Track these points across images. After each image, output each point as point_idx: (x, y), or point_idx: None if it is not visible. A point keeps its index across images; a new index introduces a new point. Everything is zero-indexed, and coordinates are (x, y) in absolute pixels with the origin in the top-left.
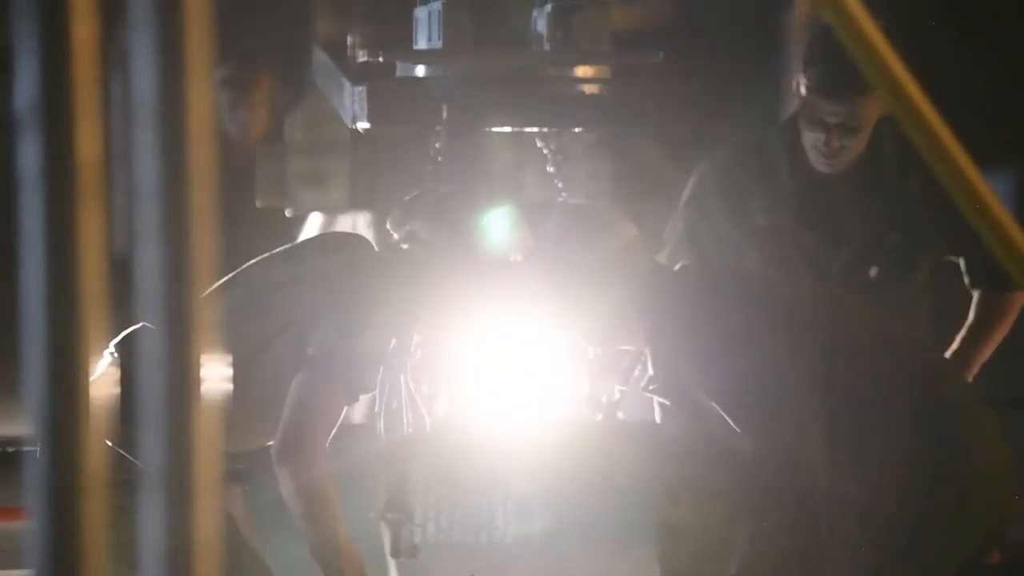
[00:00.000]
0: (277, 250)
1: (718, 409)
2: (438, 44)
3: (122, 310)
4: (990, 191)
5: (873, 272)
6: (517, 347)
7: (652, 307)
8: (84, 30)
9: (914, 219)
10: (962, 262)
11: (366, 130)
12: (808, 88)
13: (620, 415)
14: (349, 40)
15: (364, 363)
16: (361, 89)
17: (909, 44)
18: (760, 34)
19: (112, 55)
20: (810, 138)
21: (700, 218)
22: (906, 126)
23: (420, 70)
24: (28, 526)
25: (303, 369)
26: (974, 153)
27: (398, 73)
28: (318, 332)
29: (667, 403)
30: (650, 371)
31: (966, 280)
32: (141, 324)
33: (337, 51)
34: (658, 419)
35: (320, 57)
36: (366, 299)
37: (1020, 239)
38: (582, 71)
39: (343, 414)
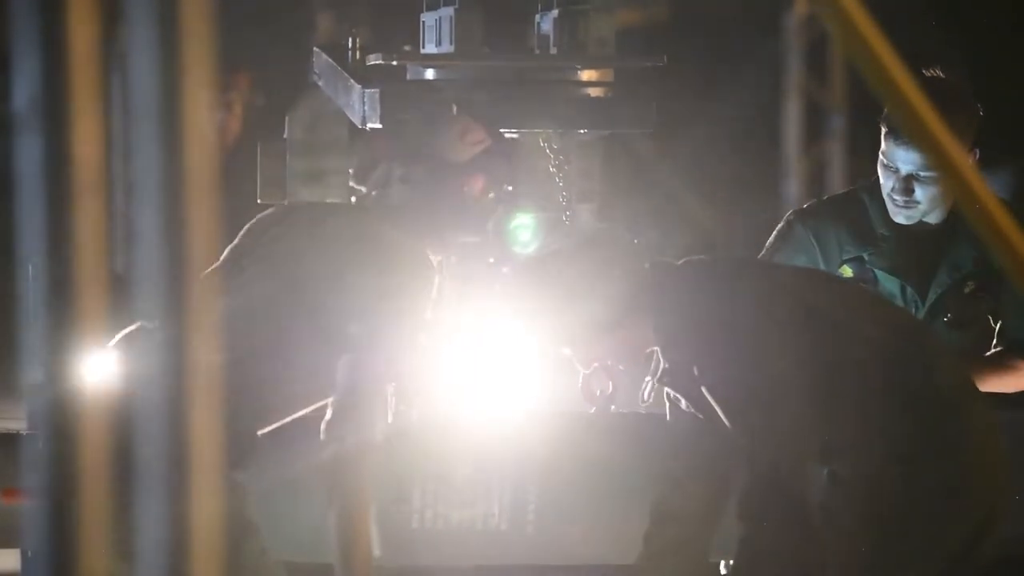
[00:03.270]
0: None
1: (717, 405)
2: (446, 48)
3: (122, 309)
4: (989, 190)
5: (947, 318)
6: (513, 338)
7: (658, 302)
8: (84, 30)
9: (987, 271)
10: (998, 325)
11: (376, 131)
12: (885, 135)
13: (612, 408)
14: (350, 43)
15: (403, 338)
16: (373, 91)
17: (907, 44)
18: (762, 36)
19: (112, 55)
20: (886, 186)
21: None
22: (906, 129)
23: (429, 73)
24: (27, 517)
25: (348, 350)
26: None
27: (407, 76)
28: (353, 311)
29: (680, 397)
30: (663, 365)
31: (995, 341)
32: (138, 325)
33: (337, 53)
34: (668, 416)
35: (322, 58)
36: (395, 275)
37: (1019, 240)
38: (588, 74)
39: (389, 391)
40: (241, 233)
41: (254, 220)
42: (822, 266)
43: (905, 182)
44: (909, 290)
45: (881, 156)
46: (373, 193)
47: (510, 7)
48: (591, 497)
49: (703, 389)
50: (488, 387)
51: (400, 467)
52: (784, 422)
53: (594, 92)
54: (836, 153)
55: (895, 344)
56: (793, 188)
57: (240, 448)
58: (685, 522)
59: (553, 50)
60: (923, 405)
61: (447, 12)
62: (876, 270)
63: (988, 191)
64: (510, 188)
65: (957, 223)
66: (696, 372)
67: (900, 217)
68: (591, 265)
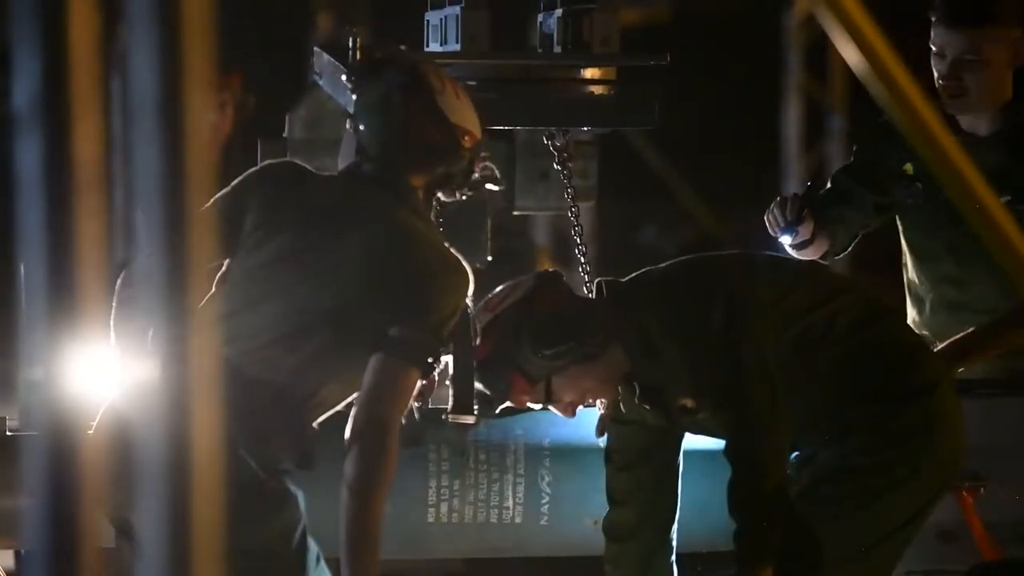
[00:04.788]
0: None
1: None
2: (452, 47)
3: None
4: (987, 189)
5: None
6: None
7: (623, 323)
8: (84, 30)
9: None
10: None
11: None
12: (935, 20)
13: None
14: (351, 43)
15: (438, 343)
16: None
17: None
18: (762, 36)
19: (112, 55)
20: (935, 74)
21: (847, 185)
22: (904, 125)
23: None
24: (26, 513)
25: (383, 350)
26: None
27: None
28: (391, 312)
29: (650, 408)
30: (637, 386)
31: None
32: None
33: (337, 52)
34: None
35: (323, 58)
36: (435, 281)
37: (1019, 240)
38: (592, 72)
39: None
40: (256, 180)
41: (271, 171)
42: (877, 179)
43: (953, 67)
44: (945, 199)
45: (931, 45)
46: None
47: (516, 6)
48: (604, 490)
49: (682, 396)
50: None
51: (415, 464)
52: (763, 412)
53: (598, 90)
54: (836, 153)
55: (848, 322)
56: (793, 188)
57: (303, 446)
58: (644, 536)
59: (557, 49)
60: (886, 374)
61: (453, 11)
62: (920, 182)
63: (988, 190)
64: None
65: (1003, 135)
66: (676, 378)
67: (952, 108)
68: (537, 313)
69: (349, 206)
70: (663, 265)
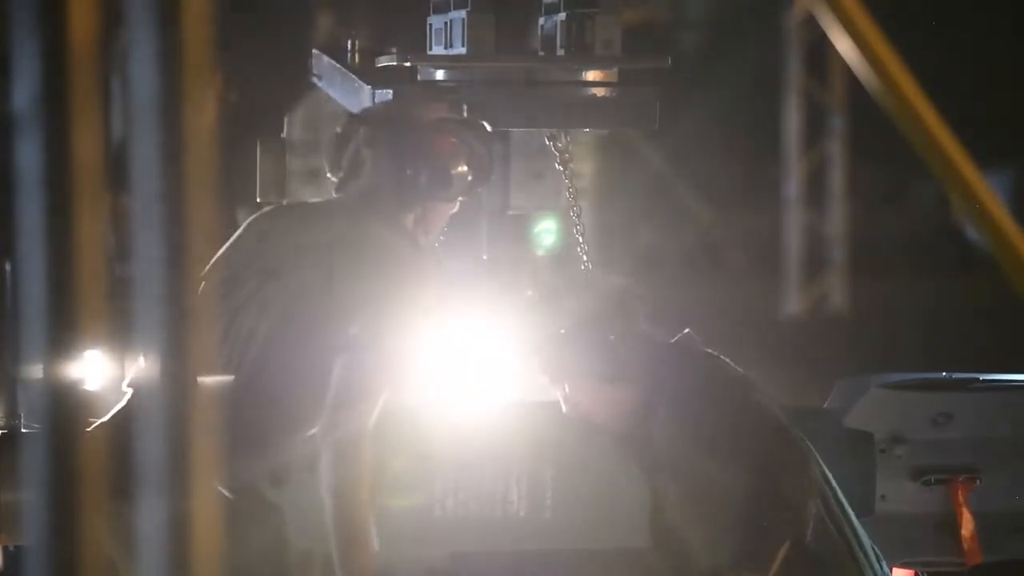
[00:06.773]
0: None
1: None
2: (453, 50)
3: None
4: (989, 191)
5: None
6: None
7: (668, 380)
8: (84, 30)
9: None
10: None
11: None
12: None
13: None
14: (350, 45)
15: (400, 338)
16: (384, 92)
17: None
18: (762, 36)
19: (112, 55)
20: None
21: None
22: (904, 125)
23: (440, 74)
24: (27, 512)
25: (348, 350)
26: (973, 152)
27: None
28: (358, 312)
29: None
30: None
31: None
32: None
33: (336, 55)
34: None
35: (323, 60)
36: (402, 279)
37: (1019, 240)
38: (593, 74)
39: (384, 392)
40: (231, 243)
41: (243, 230)
42: None
43: None
44: None
45: None
46: (342, 173)
47: (520, 10)
48: (607, 482)
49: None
50: (501, 377)
51: (420, 459)
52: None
53: (600, 92)
54: (836, 153)
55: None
56: (793, 188)
57: (273, 462)
58: (679, 541)
59: (560, 51)
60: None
61: (458, 15)
62: None
63: (989, 190)
64: (483, 157)
65: None
66: (675, 446)
67: None
68: (610, 322)
69: (317, 226)
70: (686, 344)
